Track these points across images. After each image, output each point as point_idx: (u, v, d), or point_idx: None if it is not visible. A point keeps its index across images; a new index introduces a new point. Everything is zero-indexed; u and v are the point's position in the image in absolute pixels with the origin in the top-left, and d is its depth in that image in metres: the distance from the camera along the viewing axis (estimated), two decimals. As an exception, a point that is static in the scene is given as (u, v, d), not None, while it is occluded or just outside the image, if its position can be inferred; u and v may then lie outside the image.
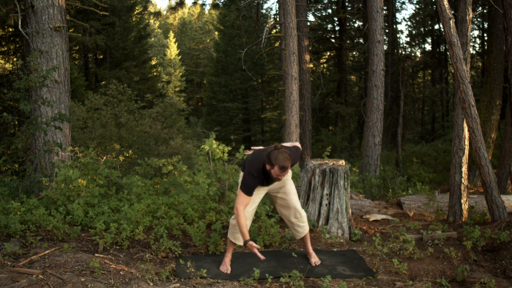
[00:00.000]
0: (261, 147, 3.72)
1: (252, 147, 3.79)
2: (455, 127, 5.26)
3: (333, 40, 20.96)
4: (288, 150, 3.34)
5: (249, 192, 3.33)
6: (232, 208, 4.93)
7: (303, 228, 3.76)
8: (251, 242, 3.33)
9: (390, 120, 18.66)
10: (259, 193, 3.62)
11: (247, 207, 3.53)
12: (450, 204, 5.31)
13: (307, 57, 12.69)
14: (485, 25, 19.81)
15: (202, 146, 5.53)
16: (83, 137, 11.02)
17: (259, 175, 3.37)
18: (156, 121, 13.71)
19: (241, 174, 3.57)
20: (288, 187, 3.68)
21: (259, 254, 3.34)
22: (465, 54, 5.01)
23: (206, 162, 5.54)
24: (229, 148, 5.59)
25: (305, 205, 4.78)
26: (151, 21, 36.83)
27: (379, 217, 5.56)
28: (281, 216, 3.82)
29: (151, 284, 3.14)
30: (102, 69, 20.79)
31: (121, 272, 3.29)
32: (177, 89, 40.30)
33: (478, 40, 23.17)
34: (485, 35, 21.02)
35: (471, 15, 5.14)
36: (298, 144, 3.73)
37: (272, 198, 3.79)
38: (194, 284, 3.29)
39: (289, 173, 3.72)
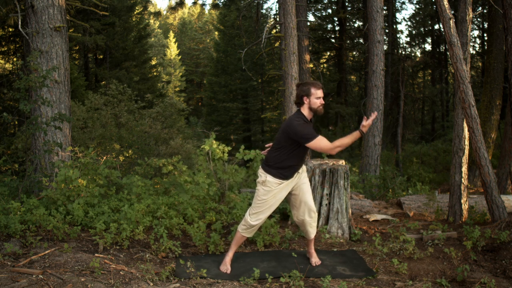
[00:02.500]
0: (271, 144, 3.75)
1: (266, 146, 3.83)
2: (455, 127, 5.26)
3: (333, 40, 20.97)
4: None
5: (315, 134, 3.35)
6: (232, 208, 4.93)
7: (314, 228, 3.78)
8: (362, 123, 3.37)
9: (390, 120, 18.65)
10: (281, 195, 3.63)
11: (267, 214, 3.58)
12: (450, 204, 5.31)
13: (307, 57, 12.68)
14: (485, 25, 19.81)
15: (202, 146, 5.53)
16: (83, 137, 11.03)
17: (308, 121, 3.44)
18: (156, 121, 13.72)
19: (261, 173, 3.57)
20: (306, 186, 3.70)
21: (373, 117, 3.35)
22: (465, 54, 5.00)
23: (206, 162, 5.54)
24: (229, 148, 5.59)
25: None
26: (151, 21, 36.84)
27: (379, 217, 5.55)
28: (294, 215, 3.77)
29: (151, 284, 3.14)
30: (102, 69, 20.79)
31: (121, 272, 3.29)
32: (177, 89, 40.30)
33: (478, 40, 23.19)
34: (485, 35, 21.02)
35: (471, 15, 5.14)
36: None
37: (287, 197, 3.76)
38: (194, 284, 3.29)
39: (306, 172, 3.74)
